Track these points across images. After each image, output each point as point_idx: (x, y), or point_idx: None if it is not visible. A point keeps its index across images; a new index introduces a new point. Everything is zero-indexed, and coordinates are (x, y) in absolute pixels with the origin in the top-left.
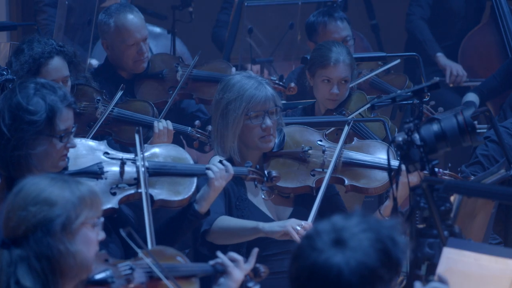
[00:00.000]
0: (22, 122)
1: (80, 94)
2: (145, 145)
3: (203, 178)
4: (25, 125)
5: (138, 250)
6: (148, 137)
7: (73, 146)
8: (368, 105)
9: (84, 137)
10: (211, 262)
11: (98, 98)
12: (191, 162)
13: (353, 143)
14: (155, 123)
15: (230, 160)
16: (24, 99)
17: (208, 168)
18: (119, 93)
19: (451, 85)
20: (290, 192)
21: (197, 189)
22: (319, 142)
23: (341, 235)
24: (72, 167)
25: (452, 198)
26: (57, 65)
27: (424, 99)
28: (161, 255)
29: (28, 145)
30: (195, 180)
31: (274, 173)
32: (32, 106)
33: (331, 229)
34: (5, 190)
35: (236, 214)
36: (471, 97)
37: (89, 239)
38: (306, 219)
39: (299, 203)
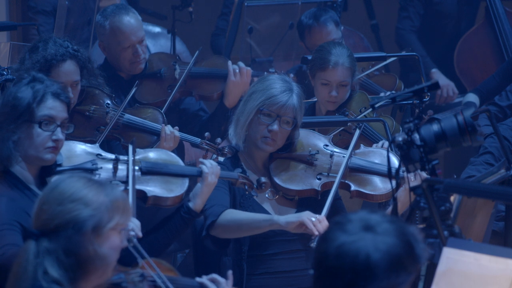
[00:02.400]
0: (6, 106)
1: (89, 97)
2: (138, 149)
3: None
4: (8, 109)
5: (140, 260)
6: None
7: (58, 139)
8: (370, 109)
9: (92, 140)
10: (198, 279)
11: (108, 102)
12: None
13: (359, 150)
14: (161, 127)
15: (236, 159)
16: (16, 87)
17: (202, 164)
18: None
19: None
20: (295, 195)
21: (189, 191)
22: (326, 148)
23: (369, 222)
24: (66, 165)
25: (452, 198)
26: (68, 69)
27: (424, 99)
28: (160, 267)
29: (9, 129)
30: (187, 180)
31: (263, 179)
32: (21, 93)
33: (359, 218)
34: None
35: None
36: (471, 97)
37: (115, 244)
38: None
39: (303, 204)
